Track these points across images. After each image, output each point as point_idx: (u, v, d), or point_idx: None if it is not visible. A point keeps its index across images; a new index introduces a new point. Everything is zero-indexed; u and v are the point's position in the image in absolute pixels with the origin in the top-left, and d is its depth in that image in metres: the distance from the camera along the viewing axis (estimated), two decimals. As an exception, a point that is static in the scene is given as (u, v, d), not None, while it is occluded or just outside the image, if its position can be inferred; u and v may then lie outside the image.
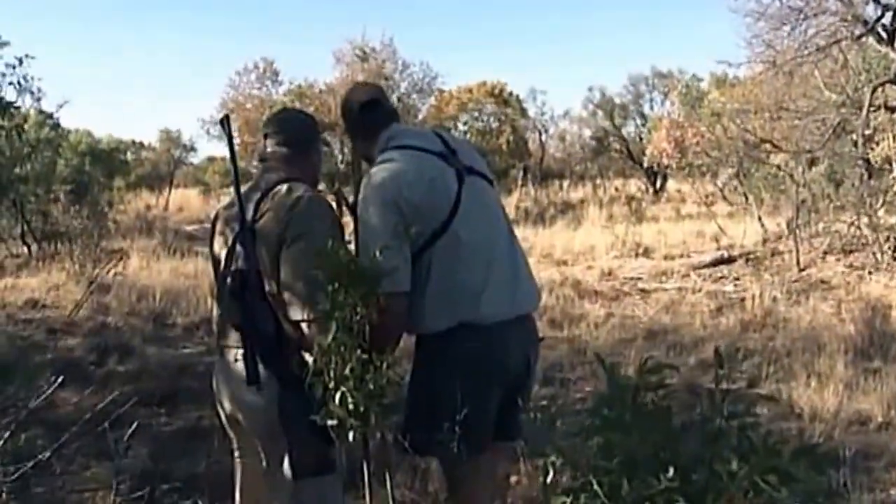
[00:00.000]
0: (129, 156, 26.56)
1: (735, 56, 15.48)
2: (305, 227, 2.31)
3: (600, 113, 27.56)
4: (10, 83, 9.31)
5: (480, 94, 24.67)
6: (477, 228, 2.46)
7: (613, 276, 9.95)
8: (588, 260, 11.38)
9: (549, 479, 1.22)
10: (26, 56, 9.26)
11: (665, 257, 11.10)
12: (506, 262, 2.53)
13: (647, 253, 11.52)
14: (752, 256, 10.22)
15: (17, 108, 9.45)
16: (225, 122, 2.48)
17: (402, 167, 2.45)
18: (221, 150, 28.29)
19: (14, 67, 9.25)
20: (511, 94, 25.40)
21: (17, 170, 12.01)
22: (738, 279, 9.36)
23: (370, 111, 2.62)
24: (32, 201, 13.09)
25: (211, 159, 30.74)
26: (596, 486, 1.16)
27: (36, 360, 5.97)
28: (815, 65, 9.32)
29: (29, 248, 12.69)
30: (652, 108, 27.48)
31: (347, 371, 1.84)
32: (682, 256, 11.07)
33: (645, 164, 22.35)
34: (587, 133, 28.34)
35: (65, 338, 6.77)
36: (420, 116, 21.81)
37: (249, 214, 2.38)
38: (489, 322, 2.43)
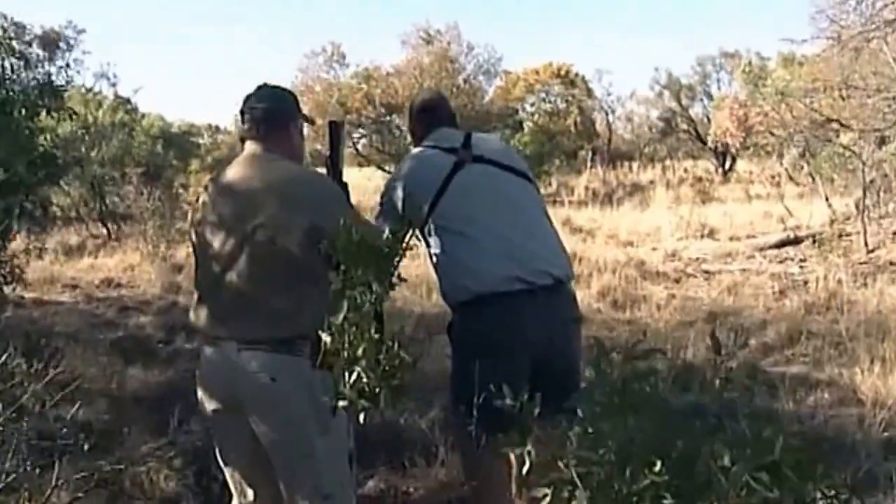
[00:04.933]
0: (206, 139, 27.25)
1: (800, 34, 15.03)
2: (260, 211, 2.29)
3: (667, 94, 27.10)
4: (88, 68, 9.73)
5: (546, 75, 24.57)
6: (464, 205, 2.67)
7: (677, 258, 9.89)
8: (653, 241, 11.32)
9: (524, 471, 1.14)
10: (102, 43, 9.66)
11: (730, 238, 10.97)
12: (505, 237, 2.63)
13: (712, 234, 11.40)
14: (818, 238, 10.01)
15: (95, 92, 9.88)
16: (334, 128, 2.66)
17: (409, 160, 2.87)
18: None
19: (90, 53, 9.65)
20: (577, 74, 25.24)
21: (93, 153, 12.47)
22: (803, 261, 9.23)
23: (420, 116, 3.01)
24: (110, 184, 13.57)
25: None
26: (576, 479, 1.07)
27: (108, 337, 6.27)
28: (884, 39, 9.03)
29: (108, 228, 13.15)
30: (719, 88, 26.82)
31: (360, 352, 1.81)
32: (747, 238, 10.91)
33: (709, 145, 22.01)
34: (654, 114, 27.93)
35: (136, 315, 7.05)
36: (486, 98, 21.84)
37: None
38: (481, 292, 2.58)
